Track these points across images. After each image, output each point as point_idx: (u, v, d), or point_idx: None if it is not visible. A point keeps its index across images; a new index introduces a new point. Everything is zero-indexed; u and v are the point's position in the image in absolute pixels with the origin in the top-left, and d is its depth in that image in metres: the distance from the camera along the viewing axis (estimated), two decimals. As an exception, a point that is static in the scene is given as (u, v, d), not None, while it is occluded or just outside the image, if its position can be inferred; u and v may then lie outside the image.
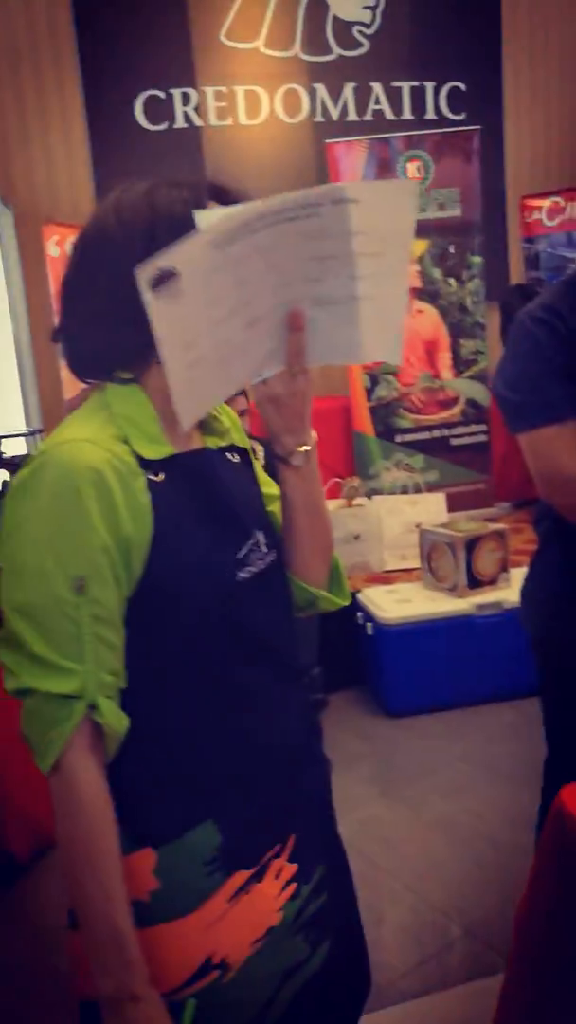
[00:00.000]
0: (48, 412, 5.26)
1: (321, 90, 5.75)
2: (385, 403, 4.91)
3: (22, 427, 5.01)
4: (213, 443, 1.17)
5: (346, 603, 1.29)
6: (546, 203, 5.94)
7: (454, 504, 4.60)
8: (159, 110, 5.52)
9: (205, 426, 1.18)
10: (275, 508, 1.23)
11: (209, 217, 0.97)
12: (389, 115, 5.87)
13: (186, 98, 5.54)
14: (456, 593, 3.71)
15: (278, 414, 1.12)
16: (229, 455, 1.19)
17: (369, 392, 4.89)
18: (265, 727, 1.13)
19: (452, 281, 4.91)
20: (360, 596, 3.85)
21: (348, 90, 5.79)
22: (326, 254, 1.01)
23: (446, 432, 5.02)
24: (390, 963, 2.27)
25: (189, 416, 1.00)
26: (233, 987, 1.07)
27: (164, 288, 0.90)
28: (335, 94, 5.78)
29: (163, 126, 5.53)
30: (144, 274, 0.89)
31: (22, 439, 4.39)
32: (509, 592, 3.68)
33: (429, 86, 5.91)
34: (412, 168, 4.80)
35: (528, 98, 6.21)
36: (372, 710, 3.74)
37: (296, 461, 1.15)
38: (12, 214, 5.13)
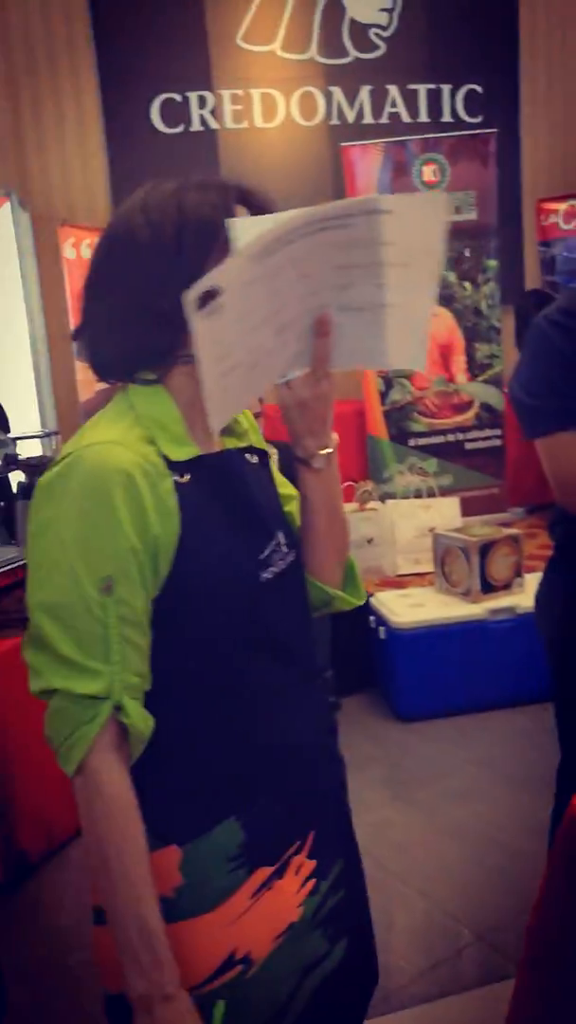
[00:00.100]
0: (63, 414, 5.27)
1: (337, 93, 5.74)
2: (399, 407, 4.91)
3: (37, 429, 5.02)
4: (232, 444, 1.18)
5: (361, 603, 1.30)
6: (563, 207, 5.92)
7: (468, 508, 4.58)
8: (175, 113, 5.53)
9: (225, 427, 1.18)
10: (291, 508, 1.24)
11: (243, 226, 0.99)
12: (405, 118, 5.85)
13: (202, 101, 5.55)
14: (469, 598, 3.71)
15: (302, 417, 1.13)
16: (248, 456, 1.19)
17: (383, 396, 4.89)
18: (287, 726, 1.14)
19: (467, 285, 4.90)
20: (373, 600, 3.85)
21: (364, 93, 5.78)
22: (355, 263, 1.03)
23: (460, 436, 5.01)
24: (400, 967, 2.27)
25: (220, 419, 1.02)
26: (255, 982, 1.09)
27: (208, 307, 0.92)
28: (351, 97, 5.77)
29: (179, 129, 5.54)
30: (191, 295, 0.91)
31: (37, 441, 4.40)
32: (523, 597, 3.67)
33: (445, 89, 5.89)
34: (428, 171, 4.78)
35: (545, 101, 6.19)
36: (384, 714, 3.74)
37: (317, 464, 1.16)
38: (29, 216, 5.15)
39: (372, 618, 3.82)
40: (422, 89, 5.86)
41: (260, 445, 1.24)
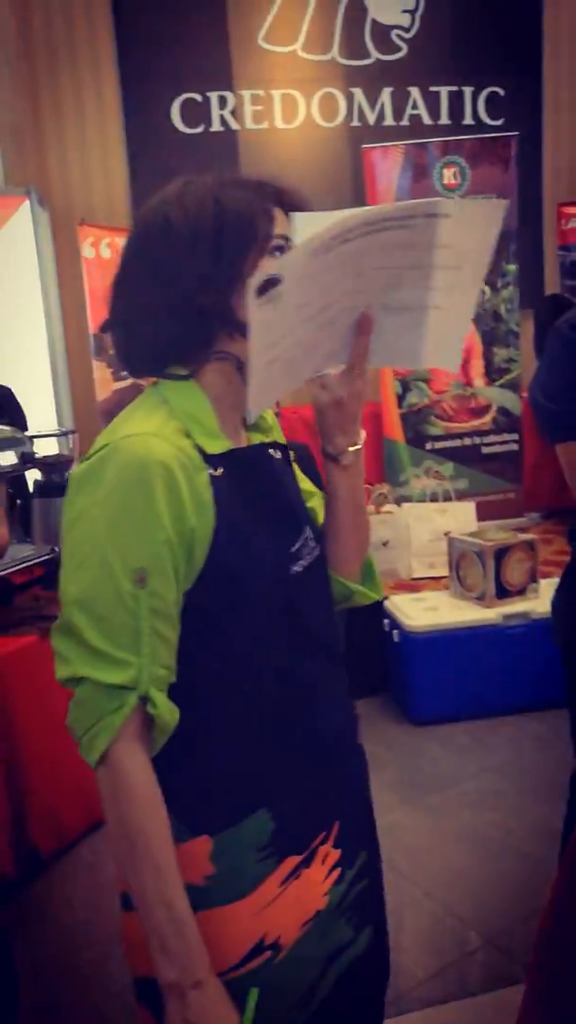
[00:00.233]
0: (80, 413, 5.29)
1: (358, 94, 5.74)
2: (416, 410, 4.90)
3: (54, 427, 5.04)
4: (258, 439, 1.20)
5: (379, 598, 1.32)
6: (584, 211, 5.89)
7: (484, 513, 4.57)
8: (196, 113, 5.55)
9: (251, 423, 1.20)
10: (312, 504, 1.26)
11: (304, 221, 1.03)
12: (426, 120, 5.85)
13: (223, 101, 5.57)
14: (484, 602, 3.70)
15: (336, 415, 1.15)
16: (273, 452, 1.20)
17: (400, 399, 4.88)
18: (316, 716, 1.16)
19: (486, 289, 4.89)
20: (387, 603, 3.84)
21: (385, 95, 5.78)
22: (407, 264, 1.05)
23: (477, 440, 5.00)
24: (409, 970, 2.27)
25: (258, 407, 1.04)
26: (283, 967, 1.12)
27: (267, 295, 0.93)
28: (372, 98, 5.77)
29: (199, 129, 5.56)
30: (253, 281, 0.92)
31: (54, 439, 4.42)
32: (537, 603, 3.66)
33: (467, 91, 5.88)
34: (448, 174, 4.78)
35: (567, 105, 6.16)
36: (397, 718, 3.73)
37: (347, 460, 1.19)
38: (48, 215, 5.18)
39: (386, 621, 3.82)
40: (444, 91, 5.85)
41: (282, 441, 1.25)
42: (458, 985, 2.24)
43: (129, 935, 1.10)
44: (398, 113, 5.81)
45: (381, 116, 5.80)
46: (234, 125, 5.60)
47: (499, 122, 5.90)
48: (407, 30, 5.76)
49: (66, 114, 5.46)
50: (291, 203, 1.10)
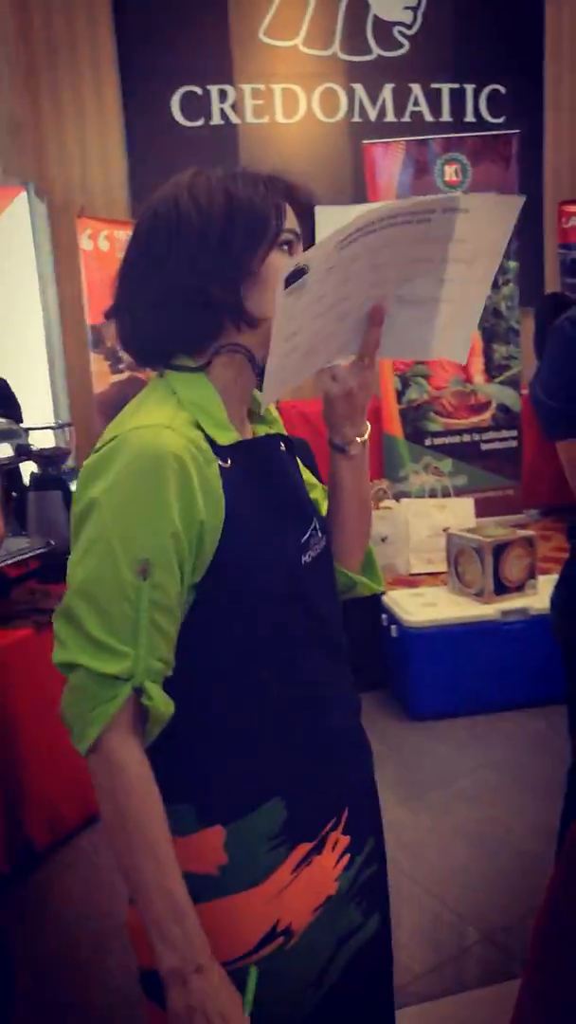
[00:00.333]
0: (77, 405, 5.28)
1: (359, 90, 5.74)
2: (416, 406, 4.89)
3: (50, 420, 5.03)
4: (263, 431, 1.20)
5: (381, 589, 1.34)
6: (584, 210, 5.89)
7: (482, 509, 4.57)
8: (196, 106, 5.53)
9: (255, 415, 1.21)
10: (315, 496, 1.26)
11: (325, 214, 1.06)
12: (428, 117, 5.85)
13: (223, 95, 5.56)
14: (482, 598, 3.69)
15: (345, 406, 1.17)
16: (279, 443, 1.21)
17: (400, 394, 4.87)
18: (327, 705, 1.17)
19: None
20: (385, 599, 3.84)
21: (387, 91, 5.78)
22: (423, 257, 1.06)
23: (476, 437, 4.99)
24: (406, 965, 2.26)
25: (273, 396, 1.05)
26: (295, 953, 1.13)
27: (294, 285, 0.95)
28: (373, 94, 5.76)
29: (199, 122, 5.55)
30: (283, 271, 0.94)
31: (50, 432, 4.41)
32: (536, 599, 3.65)
33: (469, 88, 5.88)
34: (449, 171, 4.76)
35: (568, 103, 6.16)
36: (395, 713, 3.72)
37: (354, 451, 1.21)
38: (46, 206, 5.16)
39: (384, 616, 3.81)
40: (445, 89, 5.85)
41: (285, 434, 1.25)
42: (455, 980, 2.23)
43: (135, 927, 1.10)
44: (399, 110, 5.81)
45: (382, 112, 5.80)
46: (234, 119, 5.59)
47: (500, 120, 5.91)
48: (409, 27, 5.76)
49: (65, 106, 5.44)
50: (300, 198, 1.11)
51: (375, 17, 5.69)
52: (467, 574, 3.77)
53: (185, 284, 1.04)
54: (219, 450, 1.05)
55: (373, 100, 5.77)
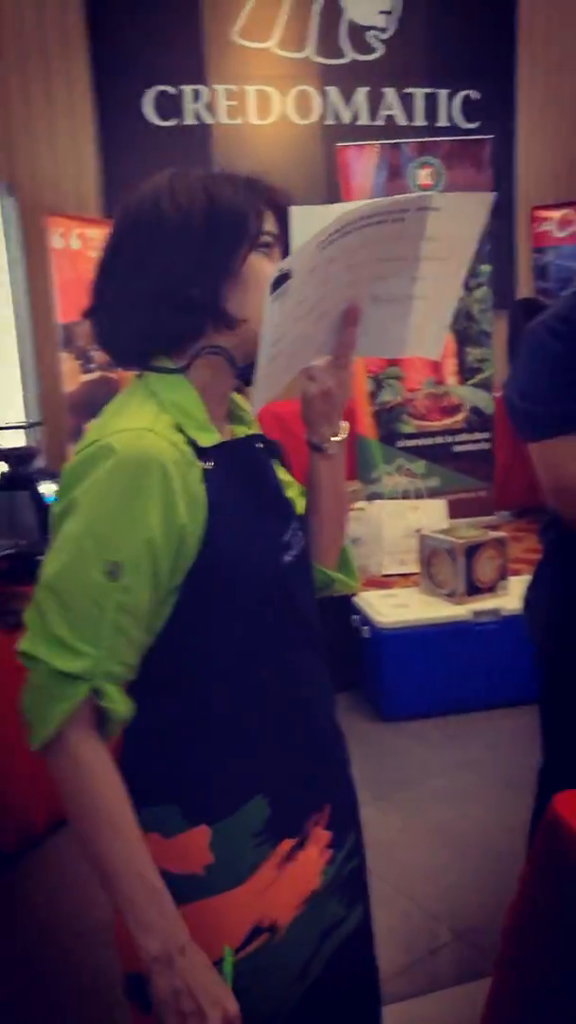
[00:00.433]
0: (47, 405, 5.23)
1: (333, 93, 5.74)
2: (388, 408, 4.89)
3: (21, 419, 4.99)
4: (242, 432, 1.21)
5: (357, 586, 1.35)
6: (557, 214, 5.94)
7: (455, 511, 4.58)
8: (169, 106, 5.51)
9: (234, 416, 1.21)
10: (291, 495, 1.27)
11: (299, 216, 1.06)
12: (401, 121, 5.86)
13: (197, 95, 5.54)
14: (454, 599, 3.70)
15: (323, 405, 1.17)
16: (257, 444, 1.21)
17: (372, 396, 4.88)
18: (309, 703, 1.19)
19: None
20: (357, 599, 3.84)
21: (360, 94, 5.79)
22: (397, 255, 1.07)
23: (449, 439, 5.00)
24: (379, 964, 2.26)
25: (260, 402, 1.05)
26: (280, 947, 1.15)
27: (279, 290, 0.95)
28: (347, 97, 5.77)
29: (173, 122, 5.52)
30: (269, 276, 0.94)
31: (21, 431, 4.38)
32: (507, 599, 3.67)
33: (443, 93, 5.90)
34: (423, 174, 4.77)
35: (541, 109, 6.21)
36: (367, 714, 3.73)
37: (332, 449, 1.21)
38: (16, 204, 5.11)
39: (356, 617, 3.81)
40: (419, 93, 5.87)
41: (261, 433, 1.26)
42: (427, 980, 2.24)
43: (121, 931, 1.10)
44: (373, 113, 5.83)
45: (356, 115, 5.81)
46: (208, 119, 5.57)
47: (474, 125, 5.93)
48: (383, 31, 5.78)
49: (36, 103, 5.38)
50: (278, 201, 1.12)
51: (349, 21, 5.70)
52: (439, 575, 3.79)
53: (165, 285, 1.04)
54: (201, 452, 1.05)
55: (347, 103, 5.78)
